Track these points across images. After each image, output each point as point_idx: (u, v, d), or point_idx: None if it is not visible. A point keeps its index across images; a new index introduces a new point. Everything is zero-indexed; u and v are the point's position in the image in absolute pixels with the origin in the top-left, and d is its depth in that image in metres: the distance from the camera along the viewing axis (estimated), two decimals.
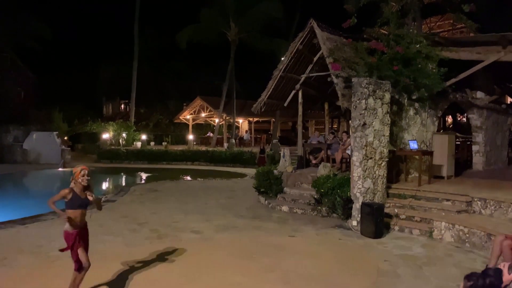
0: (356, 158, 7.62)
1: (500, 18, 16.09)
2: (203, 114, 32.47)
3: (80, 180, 4.18)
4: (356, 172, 7.60)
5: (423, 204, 7.73)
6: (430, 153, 9.13)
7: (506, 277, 3.01)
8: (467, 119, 13.52)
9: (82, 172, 4.21)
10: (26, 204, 10.98)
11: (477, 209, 7.24)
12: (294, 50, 11.03)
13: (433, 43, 9.25)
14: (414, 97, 9.18)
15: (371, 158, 7.67)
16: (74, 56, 39.74)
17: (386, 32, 9.63)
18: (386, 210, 7.49)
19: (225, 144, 27.37)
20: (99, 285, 4.74)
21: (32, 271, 5.24)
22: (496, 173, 10.15)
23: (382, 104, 7.85)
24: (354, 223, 7.53)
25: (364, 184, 7.55)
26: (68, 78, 37.04)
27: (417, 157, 9.00)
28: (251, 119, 33.16)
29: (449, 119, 24.30)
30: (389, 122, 8.10)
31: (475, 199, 7.29)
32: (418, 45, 8.99)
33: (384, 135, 7.93)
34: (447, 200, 7.63)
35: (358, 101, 7.59)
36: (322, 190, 8.57)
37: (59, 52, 36.97)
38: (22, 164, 22.02)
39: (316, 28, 10.02)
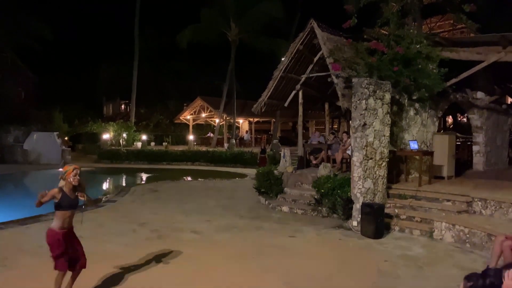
0: (356, 158, 7.62)
1: (500, 18, 16.06)
2: (203, 114, 32.44)
3: (71, 179, 4.12)
4: (357, 172, 7.60)
5: (423, 205, 7.74)
6: (431, 154, 9.14)
7: (507, 282, 3.01)
8: (468, 119, 13.50)
9: (75, 172, 4.16)
10: (27, 204, 10.90)
11: (478, 209, 7.25)
12: (295, 51, 11.04)
13: (433, 43, 9.24)
14: (414, 98, 9.19)
15: (371, 158, 7.68)
16: (74, 56, 39.70)
17: (386, 33, 9.63)
18: (386, 211, 7.50)
19: (226, 145, 27.35)
20: (99, 285, 4.74)
21: (33, 272, 5.24)
22: (497, 174, 10.15)
23: (383, 104, 7.86)
24: (355, 223, 7.53)
25: (364, 185, 7.56)
26: (69, 78, 37.00)
27: (417, 157, 9.00)
28: (251, 119, 33.13)
29: (450, 119, 24.28)
30: (390, 123, 8.11)
31: (476, 200, 7.30)
32: (418, 46, 8.97)
33: (384, 136, 7.94)
34: (448, 200, 7.64)
35: (358, 102, 7.59)
36: (323, 191, 8.58)
37: (59, 52, 36.86)
38: (23, 164, 22.00)
39: (317, 28, 10.03)
